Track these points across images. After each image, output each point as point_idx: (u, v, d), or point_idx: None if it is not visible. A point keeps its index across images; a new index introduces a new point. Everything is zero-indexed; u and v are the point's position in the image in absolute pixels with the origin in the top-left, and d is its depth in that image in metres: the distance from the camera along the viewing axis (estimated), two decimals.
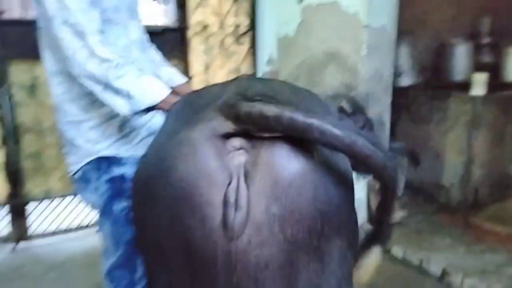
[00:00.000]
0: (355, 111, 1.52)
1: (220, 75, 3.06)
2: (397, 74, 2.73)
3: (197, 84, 2.99)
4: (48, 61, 1.22)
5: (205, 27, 2.95)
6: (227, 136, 0.74)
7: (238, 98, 0.76)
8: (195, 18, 2.91)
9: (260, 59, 3.18)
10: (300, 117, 0.69)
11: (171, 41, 2.85)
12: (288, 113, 0.69)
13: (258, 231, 0.70)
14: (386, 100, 2.61)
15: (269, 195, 0.71)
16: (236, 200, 0.71)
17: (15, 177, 2.56)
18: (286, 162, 0.73)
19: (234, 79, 0.95)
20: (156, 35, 2.75)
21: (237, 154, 0.74)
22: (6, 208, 2.60)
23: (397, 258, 2.43)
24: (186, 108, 0.92)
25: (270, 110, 0.70)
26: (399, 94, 2.81)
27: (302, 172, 0.73)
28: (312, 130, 0.69)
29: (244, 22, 3.07)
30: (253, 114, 0.71)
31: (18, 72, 2.51)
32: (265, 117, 0.70)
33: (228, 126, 0.73)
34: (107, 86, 1.09)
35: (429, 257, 2.34)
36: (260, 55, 3.17)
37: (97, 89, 1.10)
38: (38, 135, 2.58)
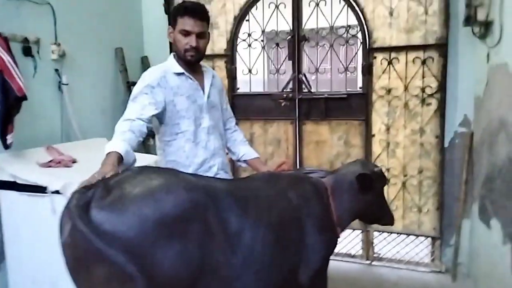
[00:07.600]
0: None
1: (403, 135, 3.14)
2: None
3: (378, 143, 3.21)
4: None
5: (389, 90, 3.14)
6: None
7: None
8: (379, 83, 3.16)
9: (449, 120, 3.02)
10: None
11: (355, 104, 3.24)
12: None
13: None
14: None
15: None
16: None
17: None
18: None
19: None
20: (341, 100, 3.29)
21: None
22: None
23: None
24: None
25: None
26: None
27: None
28: None
29: (432, 83, 3.02)
30: None
31: None
32: None
33: None
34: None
35: None
36: (450, 116, 3.01)
37: None
38: None
